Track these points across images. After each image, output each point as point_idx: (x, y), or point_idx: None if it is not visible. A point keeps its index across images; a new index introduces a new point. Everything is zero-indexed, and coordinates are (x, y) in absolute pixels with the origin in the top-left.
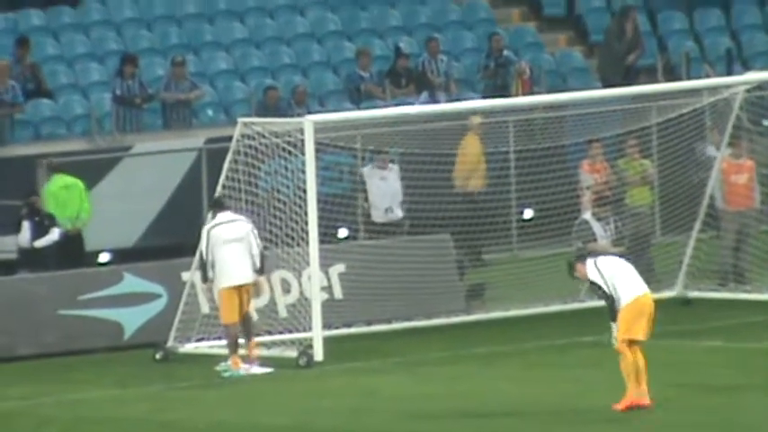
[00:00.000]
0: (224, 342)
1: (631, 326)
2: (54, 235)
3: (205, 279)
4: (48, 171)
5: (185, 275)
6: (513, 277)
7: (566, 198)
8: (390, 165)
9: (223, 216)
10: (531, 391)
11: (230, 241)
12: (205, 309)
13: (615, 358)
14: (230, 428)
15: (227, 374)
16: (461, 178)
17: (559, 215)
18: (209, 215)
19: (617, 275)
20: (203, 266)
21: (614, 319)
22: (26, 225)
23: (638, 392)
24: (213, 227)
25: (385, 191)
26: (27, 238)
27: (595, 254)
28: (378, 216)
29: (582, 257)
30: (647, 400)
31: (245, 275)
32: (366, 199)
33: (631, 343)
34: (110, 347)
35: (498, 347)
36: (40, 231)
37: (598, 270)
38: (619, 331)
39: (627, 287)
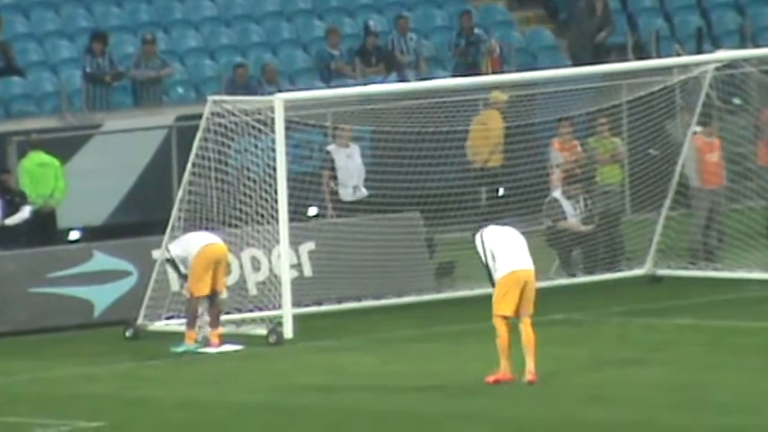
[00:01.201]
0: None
1: (501, 300)
2: (25, 213)
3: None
4: (26, 147)
5: (156, 253)
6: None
7: (536, 176)
8: (351, 143)
9: None
10: None
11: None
12: (175, 287)
13: (588, 336)
14: (200, 406)
15: (180, 349)
16: (482, 153)
17: (529, 193)
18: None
19: (498, 247)
20: (178, 269)
21: (493, 285)
22: None
23: (505, 366)
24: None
25: (352, 169)
26: None
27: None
28: (346, 195)
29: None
30: (509, 376)
31: (219, 239)
32: (335, 177)
33: (507, 318)
34: (80, 325)
35: (468, 326)
36: (10, 209)
37: (481, 240)
38: (493, 304)
39: (504, 260)
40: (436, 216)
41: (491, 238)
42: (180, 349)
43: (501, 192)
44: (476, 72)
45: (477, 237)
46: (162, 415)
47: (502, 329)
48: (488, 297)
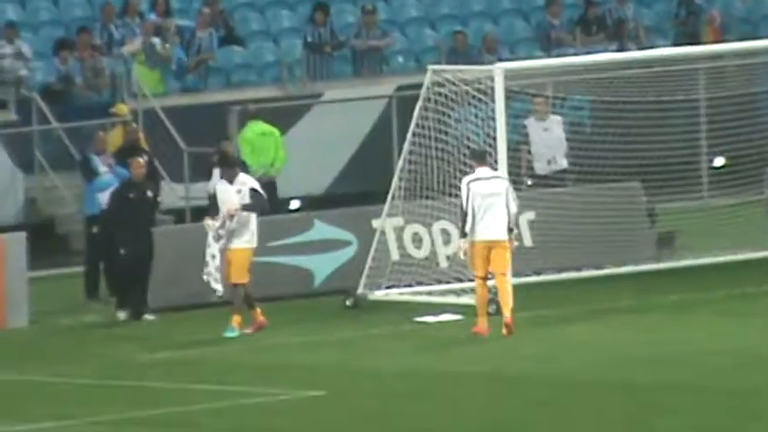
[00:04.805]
0: (414, 289)
1: (472, 265)
2: None
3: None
4: (244, 118)
5: (375, 223)
6: (703, 225)
7: (757, 146)
8: (552, 116)
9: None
10: (721, 339)
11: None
12: (395, 256)
13: None
14: (420, 375)
15: (233, 334)
16: None
17: (751, 163)
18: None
19: (477, 209)
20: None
21: (462, 234)
22: (217, 172)
23: (482, 322)
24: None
25: (548, 142)
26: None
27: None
28: (540, 168)
29: (482, 157)
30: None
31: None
32: (529, 151)
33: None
34: (300, 294)
35: (689, 295)
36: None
37: (467, 189)
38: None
39: (479, 226)
40: (657, 186)
41: (475, 195)
42: (233, 334)
43: (719, 162)
44: (696, 41)
45: (465, 181)
46: (382, 384)
47: (479, 289)
48: (710, 267)
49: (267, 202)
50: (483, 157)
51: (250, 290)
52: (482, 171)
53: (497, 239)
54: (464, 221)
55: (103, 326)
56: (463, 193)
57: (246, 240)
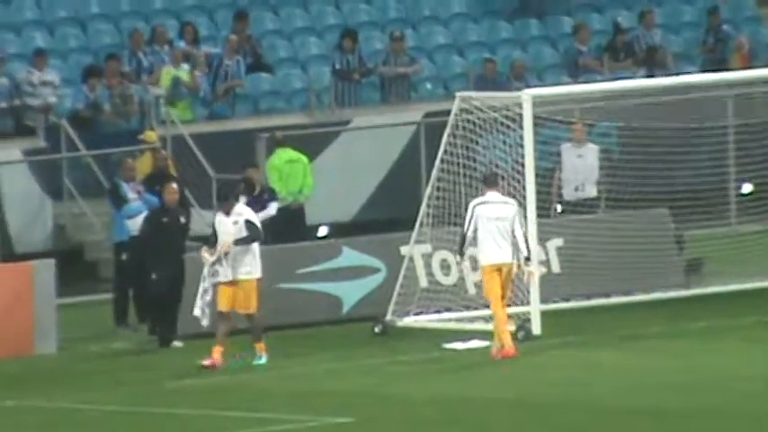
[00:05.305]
0: (442, 315)
1: (485, 288)
2: (272, 209)
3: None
4: (272, 145)
5: (404, 249)
6: (731, 252)
7: None
8: (589, 144)
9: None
10: (751, 365)
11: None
12: (423, 283)
13: None
14: (449, 401)
15: (262, 361)
16: None
17: None
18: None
19: (481, 231)
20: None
21: (460, 252)
22: (242, 200)
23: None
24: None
25: (579, 168)
26: None
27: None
28: (567, 194)
29: (492, 182)
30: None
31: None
32: (559, 176)
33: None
34: (328, 321)
35: (717, 322)
36: (257, 206)
37: (472, 211)
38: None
39: (485, 249)
40: (685, 212)
41: (480, 217)
42: (262, 362)
43: (747, 189)
44: (724, 68)
45: (472, 204)
46: (411, 410)
47: (497, 312)
48: (739, 294)
49: (262, 233)
50: (493, 181)
51: (229, 325)
52: (491, 195)
53: (503, 263)
54: (461, 243)
55: (132, 353)
56: (467, 215)
57: (247, 272)
